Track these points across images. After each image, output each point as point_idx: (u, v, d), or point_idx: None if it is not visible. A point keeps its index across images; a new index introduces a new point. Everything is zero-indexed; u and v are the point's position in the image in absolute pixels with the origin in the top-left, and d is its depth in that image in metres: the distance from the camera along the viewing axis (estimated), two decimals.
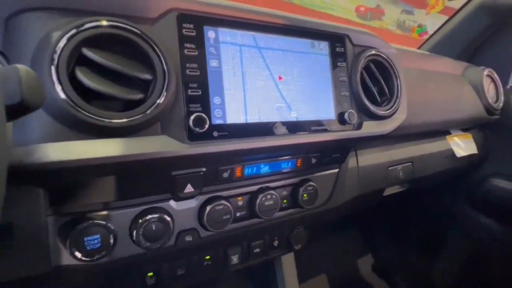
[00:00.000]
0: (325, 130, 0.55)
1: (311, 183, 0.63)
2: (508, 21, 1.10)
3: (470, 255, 1.22)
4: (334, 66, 0.58)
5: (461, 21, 1.12)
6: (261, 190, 0.57)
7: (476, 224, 1.17)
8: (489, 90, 1.05)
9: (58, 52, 0.34)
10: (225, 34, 0.47)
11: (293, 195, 0.62)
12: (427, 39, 1.24)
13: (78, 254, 0.41)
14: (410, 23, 6.05)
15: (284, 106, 0.51)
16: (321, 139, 0.54)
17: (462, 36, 1.14)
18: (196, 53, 0.43)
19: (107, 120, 0.35)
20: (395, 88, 0.66)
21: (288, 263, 0.86)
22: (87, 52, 0.36)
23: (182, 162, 0.46)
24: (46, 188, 0.40)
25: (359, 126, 0.60)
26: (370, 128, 0.61)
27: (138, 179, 0.45)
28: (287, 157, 0.58)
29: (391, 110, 0.64)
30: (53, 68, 0.33)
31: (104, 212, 0.44)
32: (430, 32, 1.26)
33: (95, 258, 0.42)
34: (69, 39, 0.34)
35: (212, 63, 0.45)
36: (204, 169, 0.49)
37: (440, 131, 0.98)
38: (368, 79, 0.63)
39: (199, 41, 0.44)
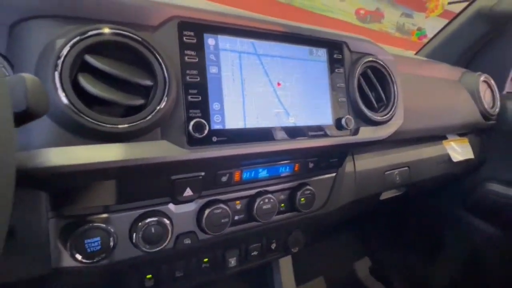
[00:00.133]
0: (323, 136, 0.56)
1: (308, 187, 0.63)
2: (504, 28, 1.11)
3: (467, 259, 1.23)
4: (331, 72, 0.59)
5: (459, 28, 1.13)
6: (259, 194, 0.58)
7: (472, 228, 1.18)
8: (486, 96, 1.06)
9: (62, 58, 0.34)
10: (225, 41, 0.47)
11: (291, 199, 0.63)
12: (425, 45, 1.25)
13: (78, 256, 0.41)
14: (410, 26, 6.09)
15: (283, 112, 0.52)
16: (319, 144, 0.55)
17: (460, 42, 1.16)
18: (196, 60, 0.44)
19: (108, 125, 0.36)
20: (392, 94, 0.67)
21: (285, 266, 0.86)
22: (90, 59, 0.36)
23: (182, 167, 0.47)
24: (48, 191, 0.41)
25: (356, 132, 0.61)
26: (367, 133, 0.62)
27: (138, 183, 0.45)
28: (285, 161, 0.59)
29: (387, 116, 0.65)
30: (56, 74, 0.34)
31: (105, 215, 0.45)
32: (429, 35, 1.28)
33: (95, 260, 0.43)
34: (72, 46, 0.35)
35: (212, 69, 0.46)
36: (203, 173, 0.50)
37: (436, 136, 0.99)
38: (365, 85, 0.64)
39: (199, 48, 0.45)
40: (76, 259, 0.41)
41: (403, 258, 1.37)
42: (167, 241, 0.49)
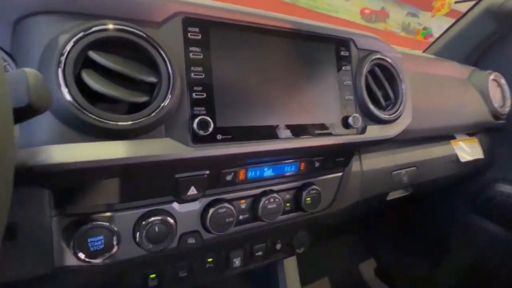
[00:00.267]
0: (329, 134, 0.55)
1: (314, 186, 0.63)
2: None
3: (474, 261, 1.21)
4: (338, 70, 0.58)
5: (467, 25, 1.11)
6: (264, 194, 0.57)
7: (480, 230, 1.16)
8: (495, 95, 1.04)
9: (65, 55, 0.34)
10: (230, 38, 0.47)
11: (296, 198, 0.62)
12: (433, 43, 1.23)
13: (81, 255, 0.41)
14: (415, 26, 6.03)
15: (289, 110, 0.51)
16: (325, 143, 0.54)
17: (468, 40, 1.13)
18: (201, 57, 0.44)
19: (112, 122, 0.35)
20: (400, 92, 0.66)
21: (290, 267, 0.85)
22: (93, 55, 0.36)
23: (186, 165, 0.46)
24: (51, 189, 0.40)
25: (363, 130, 0.60)
26: (374, 132, 0.61)
27: (142, 181, 0.45)
28: (290, 160, 0.58)
29: (395, 114, 0.64)
30: (59, 70, 0.33)
31: (108, 214, 0.44)
32: (436, 35, 1.26)
33: (98, 259, 0.42)
34: (76, 42, 0.35)
35: (217, 66, 0.45)
36: (207, 172, 0.49)
37: (445, 136, 0.98)
38: (373, 83, 0.62)
39: (204, 44, 0.44)
40: (79, 258, 0.41)
41: (410, 260, 1.35)
42: (170, 241, 0.48)
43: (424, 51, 1.26)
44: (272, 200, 0.57)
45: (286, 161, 0.58)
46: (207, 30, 0.44)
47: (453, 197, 1.23)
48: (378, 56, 0.63)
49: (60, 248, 0.42)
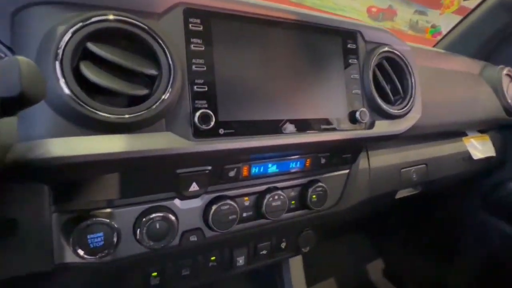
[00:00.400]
0: (335, 129, 0.54)
1: (320, 184, 0.61)
2: None
3: (485, 262, 1.18)
4: (345, 63, 0.56)
5: (479, 18, 1.08)
6: (268, 190, 0.56)
7: (492, 229, 1.13)
8: (509, 90, 1.01)
9: (63, 46, 0.33)
10: (233, 29, 0.45)
11: (302, 196, 0.61)
12: (443, 37, 1.20)
13: (80, 252, 0.40)
14: (423, 24, 5.93)
15: (293, 104, 0.50)
16: (331, 138, 0.53)
17: (480, 34, 1.10)
18: (203, 49, 0.42)
19: (111, 115, 0.35)
20: (409, 86, 0.64)
21: (295, 266, 0.84)
22: (92, 46, 0.35)
23: (187, 160, 0.45)
24: (50, 184, 0.40)
25: (371, 126, 0.58)
26: (383, 127, 0.59)
27: (143, 176, 0.44)
28: (295, 156, 0.57)
29: (404, 109, 0.62)
30: (57, 62, 0.33)
31: (108, 210, 0.43)
32: (444, 33, 1.22)
33: (98, 256, 0.41)
34: (73, 33, 0.34)
35: (218, 58, 0.44)
36: (209, 168, 0.48)
37: (456, 132, 0.95)
38: (381, 76, 0.61)
39: (206, 36, 0.43)
40: (78, 255, 0.40)
41: (419, 261, 1.33)
42: (172, 238, 0.47)
43: (434, 46, 1.23)
44: (276, 197, 0.55)
45: (291, 157, 0.56)
46: (208, 21, 0.43)
47: (464, 196, 1.20)
48: (387, 49, 0.61)
49: (60, 245, 0.41)
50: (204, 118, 0.40)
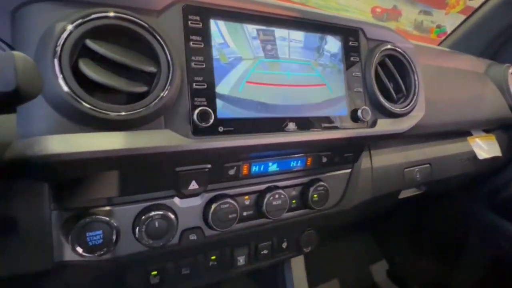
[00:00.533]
0: (337, 128, 0.53)
1: (321, 183, 0.60)
2: None
3: (491, 263, 1.16)
4: (347, 60, 0.55)
5: (484, 17, 1.07)
6: (269, 189, 0.55)
7: (497, 230, 1.11)
8: None
9: (61, 43, 0.33)
10: (232, 27, 0.45)
11: (303, 195, 0.60)
12: (447, 36, 1.19)
13: (79, 250, 0.40)
14: (428, 24, 5.88)
15: (294, 101, 0.49)
16: (332, 137, 0.52)
17: (485, 32, 1.09)
18: (202, 46, 0.42)
19: (110, 113, 0.35)
20: (412, 84, 0.63)
21: (297, 266, 0.83)
22: (91, 44, 0.35)
23: (186, 158, 0.45)
24: (49, 182, 0.40)
25: (373, 124, 0.57)
26: (385, 126, 0.58)
27: (142, 174, 0.44)
28: (296, 155, 0.56)
29: (407, 107, 0.61)
30: (55, 60, 0.33)
31: (107, 208, 0.43)
32: None
33: (96, 254, 0.41)
34: (72, 31, 0.34)
35: (218, 55, 0.43)
36: (209, 166, 0.48)
37: (460, 132, 0.94)
38: (383, 74, 0.60)
39: (205, 33, 0.43)
40: (77, 253, 0.40)
41: (423, 262, 1.31)
42: (171, 236, 0.47)
43: (439, 44, 1.21)
44: (277, 196, 0.55)
45: (292, 155, 0.56)
46: (208, 19, 0.43)
47: (469, 197, 1.18)
48: (389, 46, 0.60)
49: (59, 243, 0.41)
50: (203, 116, 0.40)
